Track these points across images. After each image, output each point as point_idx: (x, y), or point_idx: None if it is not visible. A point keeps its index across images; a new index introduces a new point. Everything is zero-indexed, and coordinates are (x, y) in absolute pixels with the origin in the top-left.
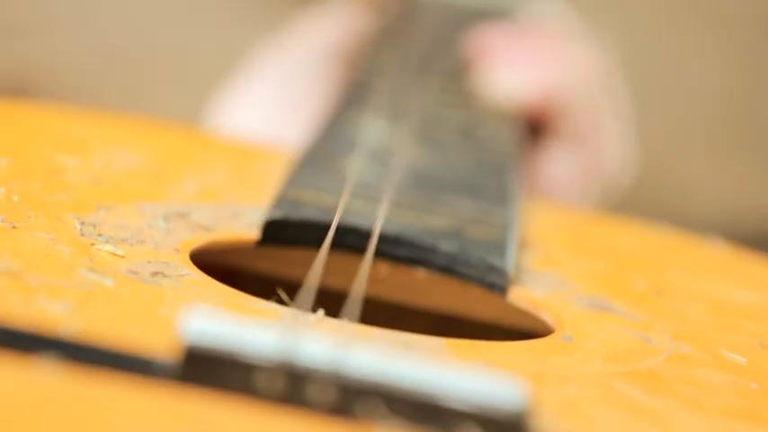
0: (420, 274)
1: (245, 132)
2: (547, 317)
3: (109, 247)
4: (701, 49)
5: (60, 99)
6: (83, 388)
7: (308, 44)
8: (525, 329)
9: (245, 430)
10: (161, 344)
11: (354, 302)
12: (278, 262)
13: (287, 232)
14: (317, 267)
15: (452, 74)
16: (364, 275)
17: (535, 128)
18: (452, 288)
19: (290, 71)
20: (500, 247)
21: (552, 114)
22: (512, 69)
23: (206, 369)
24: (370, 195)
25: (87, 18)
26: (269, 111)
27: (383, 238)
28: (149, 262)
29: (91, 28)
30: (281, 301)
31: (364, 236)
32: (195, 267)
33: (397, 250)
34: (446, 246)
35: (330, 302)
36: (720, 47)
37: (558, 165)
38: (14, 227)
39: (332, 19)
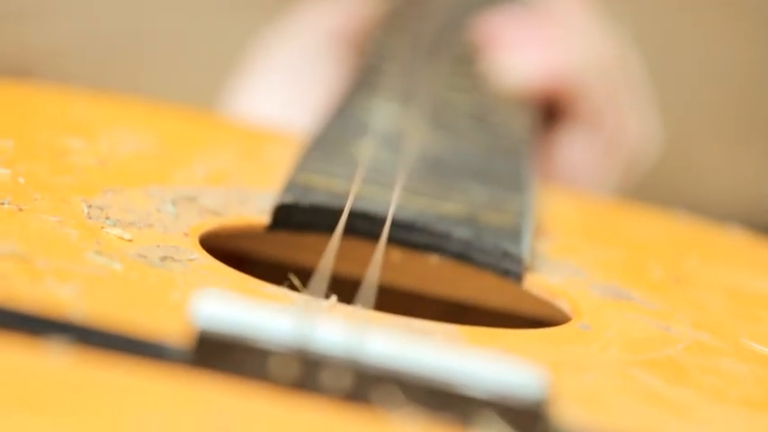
0: (433, 260)
1: (255, 117)
2: (563, 305)
3: (117, 231)
4: (716, 36)
5: (60, 84)
6: (93, 372)
7: (315, 29)
8: (541, 317)
9: (259, 416)
10: (172, 329)
11: (368, 289)
12: (288, 247)
13: (297, 217)
14: (330, 253)
15: (464, 58)
16: (378, 262)
17: (550, 112)
18: (467, 275)
19: (296, 56)
20: (515, 233)
21: (566, 97)
22: (520, 54)
23: (218, 354)
24: (382, 180)
25: (87, 2)
26: (277, 97)
27: (396, 224)
28: (158, 246)
29: (91, 12)
30: (292, 287)
31: (377, 222)
32: (204, 252)
33: (410, 236)
34: (460, 232)
35: (342, 289)
36: (735, 32)
37: (575, 148)
38: (21, 209)
39: (338, 2)
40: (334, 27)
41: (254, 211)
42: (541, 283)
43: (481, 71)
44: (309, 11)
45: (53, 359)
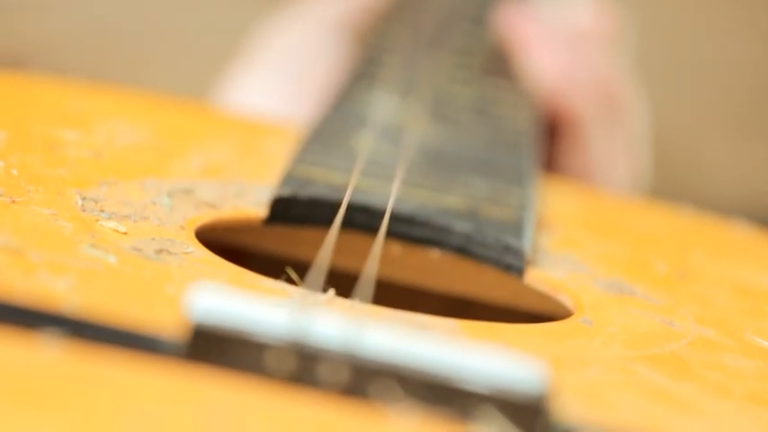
0: (434, 254)
1: (252, 109)
2: (565, 299)
3: (112, 224)
4: (722, 31)
5: (56, 75)
6: (87, 366)
7: (317, 18)
8: (543, 312)
9: (255, 410)
10: (167, 322)
11: (366, 283)
12: (286, 241)
13: (295, 210)
14: (327, 247)
15: (467, 49)
16: (377, 256)
17: (551, 122)
18: (467, 269)
19: (297, 46)
20: (517, 227)
21: (566, 108)
22: (555, 53)
23: (214, 348)
24: (382, 173)
25: None
26: (277, 87)
27: (396, 218)
28: (153, 239)
29: (87, 3)
30: (289, 281)
31: (376, 215)
32: (201, 245)
33: (410, 230)
34: (461, 226)
35: (340, 283)
36: (741, 28)
37: (564, 167)
38: (14, 201)
39: None
40: (337, 17)
41: (252, 203)
42: (543, 277)
43: (487, 65)
44: (312, 1)
45: (47, 352)
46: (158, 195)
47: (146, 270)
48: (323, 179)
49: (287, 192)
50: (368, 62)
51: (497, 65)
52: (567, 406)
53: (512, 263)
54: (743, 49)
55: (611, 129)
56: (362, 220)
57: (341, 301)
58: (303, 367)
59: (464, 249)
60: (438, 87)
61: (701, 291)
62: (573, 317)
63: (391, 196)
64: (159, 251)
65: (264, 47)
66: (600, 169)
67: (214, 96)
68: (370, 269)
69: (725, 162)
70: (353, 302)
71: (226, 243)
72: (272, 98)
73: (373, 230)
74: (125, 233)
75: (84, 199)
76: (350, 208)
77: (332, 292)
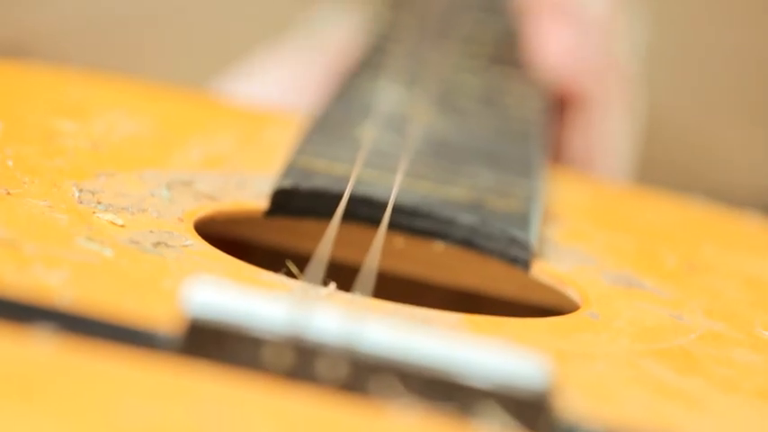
0: (438, 247)
1: (260, 100)
2: (572, 293)
3: (109, 216)
4: (736, 17)
5: (58, 64)
6: (81, 361)
7: (335, 52)
8: (549, 306)
9: (251, 406)
10: (163, 316)
11: (368, 276)
12: (287, 233)
13: (297, 202)
14: (329, 239)
15: (474, 38)
16: (378, 248)
17: (559, 104)
18: (472, 262)
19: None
20: (523, 219)
21: (576, 91)
22: (561, 39)
23: (210, 343)
24: (386, 164)
25: None
26: (287, 92)
27: (399, 209)
28: (151, 231)
29: None
30: (290, 274)
31: (379, 206)
32: (200, 238)
33: (413, 222)
34: (466, 217)
35: (342, 276)
36: (756, 14)
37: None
38: (9, 193)
39: (354, 20)
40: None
41: (252, 195)
42: (550, 270)
43: (496, 54)
44: (334, 29)
45: (40, 347)
46: (157, 187)
47: (142, 263)
48: (325, 170)
49: (289, 183)
50: (373, 51)
51: (506, 53)
52: (571, 401)
53: (518, 255)
54: (756, 36)
55: (616, 111)
56: (365, 211)
57: (341, 294)
58: (301, 362)
59: (469, 242)
60: (445, 77)
61: (710, 284)
62: (580, 311)
63: (394, 188)
64: (157, 244)
65: (281, 56)
66: (602, 151)
67: (220, 86)
68: (372, 262)
69: (737, 152)
70: (354, 296)
71: (226, 236)
72: (282, 91)
73: (376, 222)
74: (122, 225)
75: (80, 191)
76: (352, 199)
77: (333, 285)
